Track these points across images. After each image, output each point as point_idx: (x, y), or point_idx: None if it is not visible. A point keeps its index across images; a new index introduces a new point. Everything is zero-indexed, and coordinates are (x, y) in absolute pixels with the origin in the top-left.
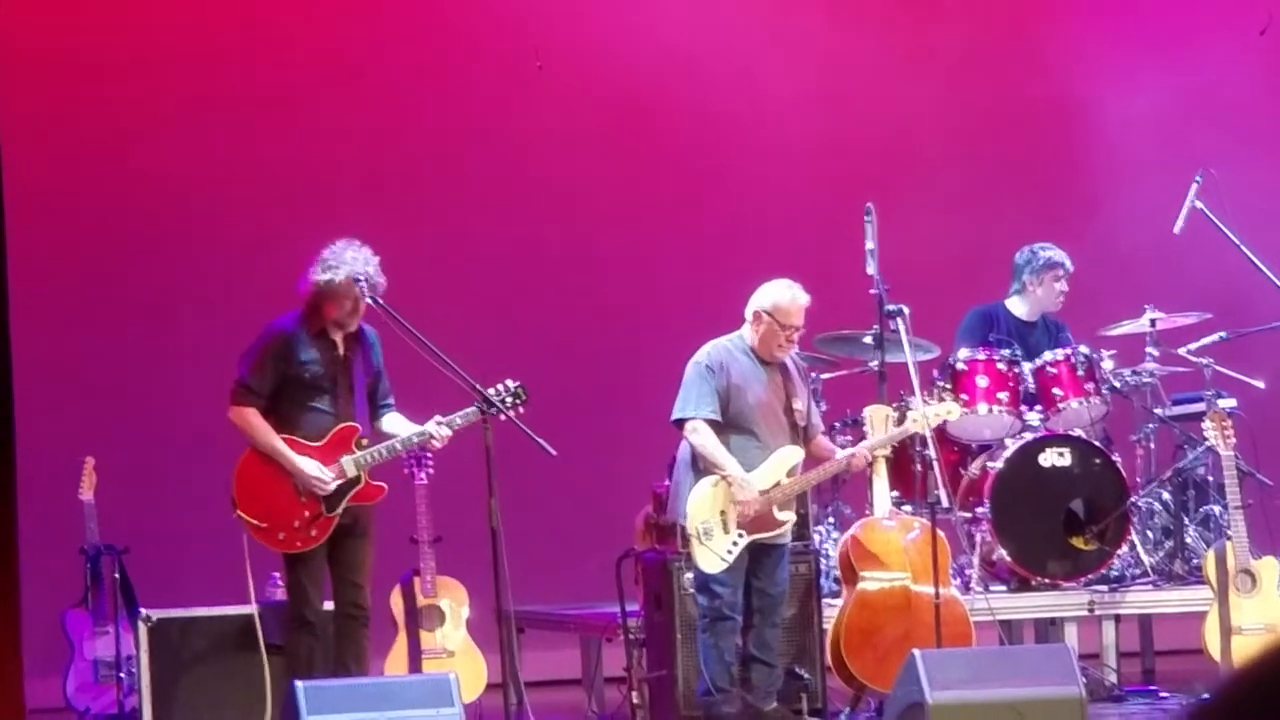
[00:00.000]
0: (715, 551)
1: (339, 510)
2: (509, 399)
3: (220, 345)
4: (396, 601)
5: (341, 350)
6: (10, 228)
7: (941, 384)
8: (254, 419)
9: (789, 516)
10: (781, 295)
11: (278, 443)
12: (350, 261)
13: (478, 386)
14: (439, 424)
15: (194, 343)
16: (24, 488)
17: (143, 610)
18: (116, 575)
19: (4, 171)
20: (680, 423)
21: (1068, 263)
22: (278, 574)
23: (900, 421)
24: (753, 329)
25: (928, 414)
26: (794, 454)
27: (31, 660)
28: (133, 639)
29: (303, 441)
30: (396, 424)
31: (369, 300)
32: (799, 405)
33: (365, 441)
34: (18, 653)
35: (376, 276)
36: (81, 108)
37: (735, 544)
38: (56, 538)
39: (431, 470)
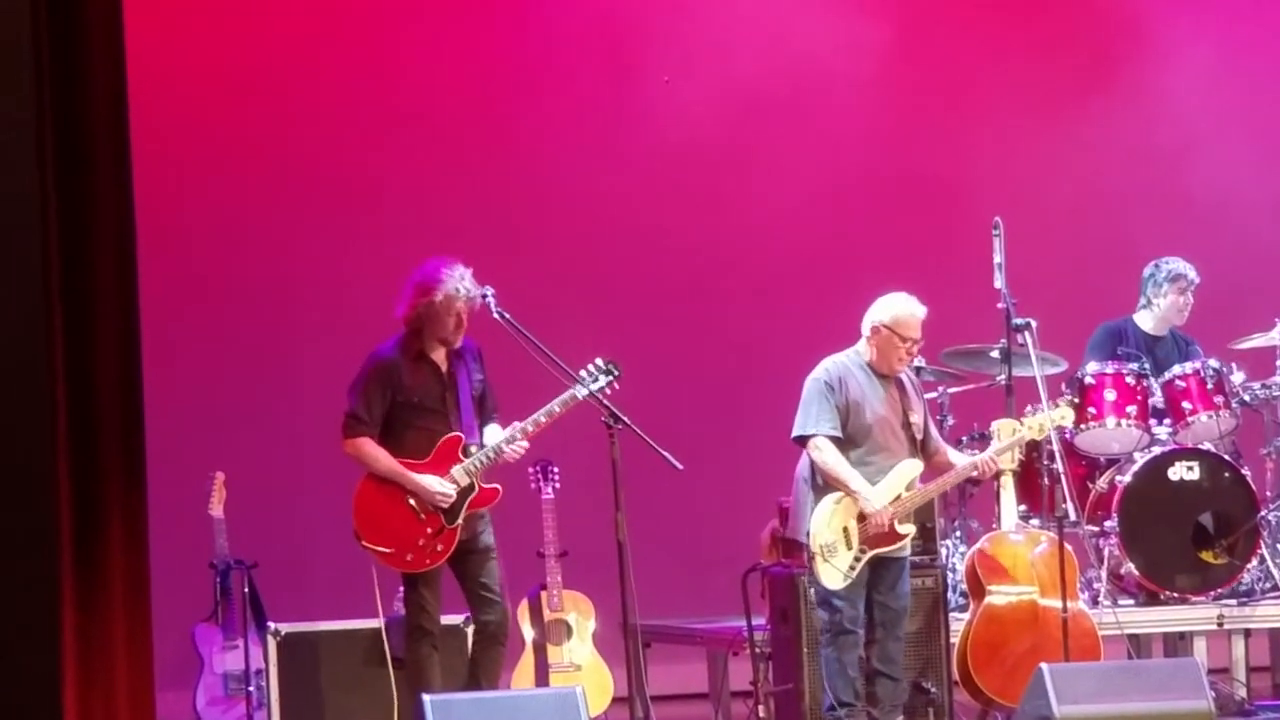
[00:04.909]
0: (838, 568)
1: (460, 521)
2: (601, 376)
3: (349, 360)
4: (523, 616)
5: (445, 368)
6: (141, 245)
7: (1069, 397)
8: (368, 448)
9: (909, 529)
10: (900, 308)
11: (397, 465)
12: (446, 280)
13: (568, 369)
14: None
15: (323, 357)
16: (154, 503)
17: (271, 624)
18: (246, 589)
19: (135, 191)
20: (802, 440)
21: (1191, 274)
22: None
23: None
24: (870, 343)
25: (1041, 420)
26: (913, 467)
27: (162, 674)
28: (262, 653)
29: (413, 461)
30: (492, 434)
31: (496, 314)
32: (915, 419)
33: (473, 449)
34: (149, 666)
35: (474, 290)
36: (210, 128)
37: (858, 559)
38: (187, 552)
39: (558, 484)
